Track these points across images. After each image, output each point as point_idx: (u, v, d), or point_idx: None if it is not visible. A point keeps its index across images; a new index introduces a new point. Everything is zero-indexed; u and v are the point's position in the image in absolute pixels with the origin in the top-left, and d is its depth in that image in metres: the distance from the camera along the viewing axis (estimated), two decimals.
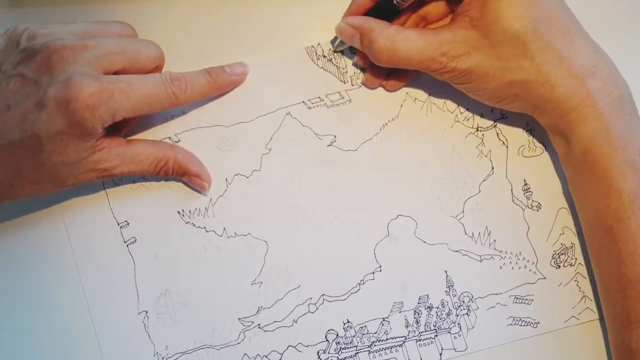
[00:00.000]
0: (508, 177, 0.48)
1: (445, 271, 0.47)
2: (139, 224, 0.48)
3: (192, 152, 0.48)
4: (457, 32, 0.42)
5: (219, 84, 0.46)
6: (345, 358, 0.47)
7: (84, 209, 0.48)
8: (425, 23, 0.47)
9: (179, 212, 0.48)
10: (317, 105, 0.49)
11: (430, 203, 0.48)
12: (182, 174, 0.46)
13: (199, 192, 0.48)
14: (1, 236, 0.48)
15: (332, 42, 0.49)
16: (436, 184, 0.48)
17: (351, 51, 0.49)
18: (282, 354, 0.47)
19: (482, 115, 0.49)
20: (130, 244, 0.48)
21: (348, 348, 0.47)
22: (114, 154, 0.43)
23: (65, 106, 0.40)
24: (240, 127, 0.49)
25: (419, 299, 0.47)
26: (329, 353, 0.47)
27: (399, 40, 0.42)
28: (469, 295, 0.47)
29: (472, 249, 0.48)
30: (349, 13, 0.46)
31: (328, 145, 0.49)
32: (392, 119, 0.49)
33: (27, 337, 0.47)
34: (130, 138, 0.47)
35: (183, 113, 0.49)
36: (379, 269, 0.47)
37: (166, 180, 0.48)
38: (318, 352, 0.47)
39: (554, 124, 0.43)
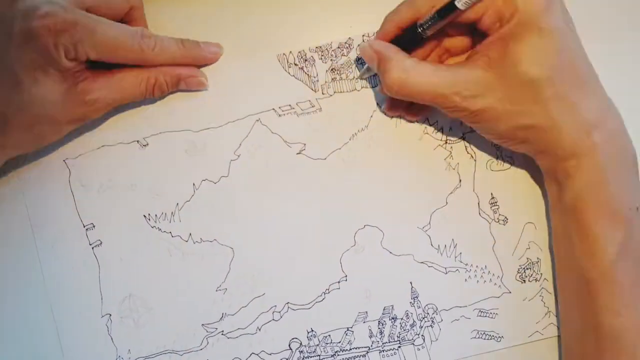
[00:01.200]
0: (475, 191, 0.48)
1: (411, 282, 0.47)
2: (105, 226, 0.48)
3: (160, 156, 0.47)
4: (473, 72, 0.41)
5: (189, 55, 0.47)
6: None
7: (50, 209, 0.48)
8: (448, 56, 0.47)
9: (144, 216, 0.48)
10: (288, 113, 0.49)
11: (397, 214, 0.48)
12: (177, 82, 0.46)
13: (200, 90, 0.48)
14: None
15: (357, 64, 0.49)
16: (403, 195, 0.48)
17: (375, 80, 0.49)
18: None
19: (450, 129, 0.49)
20: (95, 246, 0.47)
21: (311, 357, 0.47)
22: (99, 83, 0.43)
23: (30, 34, 0.40)
24: (209, 132, 0.49)
25: (384, 309, 0.47)
26: None
27: (412, 74, 0.42)
28: (434, 307, 0.47)
29: (438, 260, 0.48)
30: (379, 35, 0.46)
31: (297, 154, 0.49)
32: (362, 129, 0.49)
33: None
34: None
35: (152, 118, 0.48)
36: (344, 278, 0.47)
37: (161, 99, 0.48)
38: None
39: (552, 169, 0.43)
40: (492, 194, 0.48)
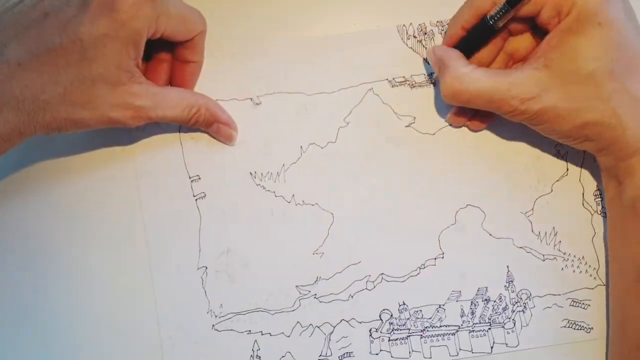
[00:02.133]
0: (581, 181, 0.48)
1: (507, 266, 0.47)
2: (210, 179, 0.48)
3: (271, 116, 0.48)
4: (528, 73, 0.41)
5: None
6: (397, 339, 0.47)
7: (157, 158, 0.48)
8: (512, 62, 0.46)
9: (251, 173, 0.48)
10: (401, 85, 0.49)
11: (501, 197, 0.48)
12: (213, 122, 0.46)
13: (226, 143, 0.48)
14: (69, 181, 0.48)
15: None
16: (510, 178, 0.48)
17: None
18: (334, 327, 0.47)
19: None
20: (199, 198, 0.48)
21: (401, 330, 0.47)
22: (152, 92, 0.42)
23: (111, 5, 0.38)
24: (322, 97, 0.48)
25: (478, 290, 0.47)
26: (381, 332, 0.47)
27: (467, 81, 0.41)
28: (527, 292, 0.47)
29: (537, 247, 0.48)
30: (445, 40, 0.45)
31: (406, 126, 0.48)
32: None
33: (84, 274, 0.47)
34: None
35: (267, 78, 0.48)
36: (441, 256, 0.47)
37: (196, 131, 0.48)
38: (370, 330, 0.47)
39: (613, 166, 0.42)
40: (597, 185, 0.48)
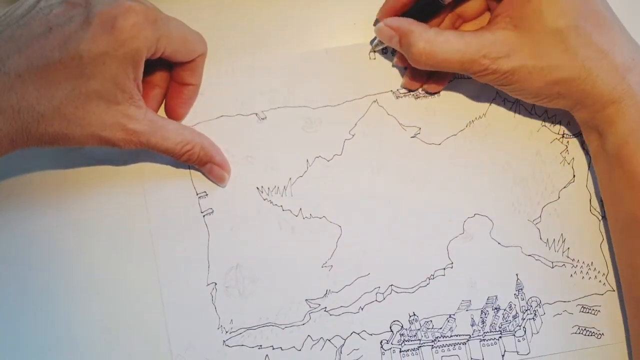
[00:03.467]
0: (588, 187, 0.48)
1: (517, 274, 0.47)
2: (217, 195, 0.48)
3: (277, 130, 0.48)
4: (498, 33, 0.41)
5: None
6: (408, 350, 0.47)
7: (164, 175, 0.48)
8: (461, 21, 0.47)
9: (258, 188, 0.48)
10: (405, 96, 0.49)
11: (508, 205, 0.48)
12: (206, 161, 0.46)
13: (217, 184, 0.48)
14: (77, 195, 0.48)
15: (371, 41, 0.48)
16: (517, 186, 0.48)
17: (391, 52, 0.49)
18: (345, 340, 0.47)
19: (568, 123, 0.48)
20: (207, 214, 0.48)
21: (411, 341, 0.47)
22: (148, 118, 0.42)
23: (112, 24, 0.39)
24: (327, 110, 0.49)
25: (487, 299, 0.47)
26: (392, 344, 0.47)
27: (438, 43, 0.42)
28: (537, 300, 0.47)
29: (545, 254, 0.48)
30: (385, 11, 0.45)
31: (412, 137, 0.49)
32: (479, 117, 0.48)
33: (94, 293, 0.47)
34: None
35: (272, 90, 0.48)
36: (450, 266, 0.47)
37: (188, 168, 0.48)
38: (381, 342, 0.47)
39: (591, 119, 0.42)
40: None
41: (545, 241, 0.48)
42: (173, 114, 0.47)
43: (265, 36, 0.49)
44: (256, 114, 0.48)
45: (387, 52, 0.49)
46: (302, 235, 0.48)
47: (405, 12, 0.45)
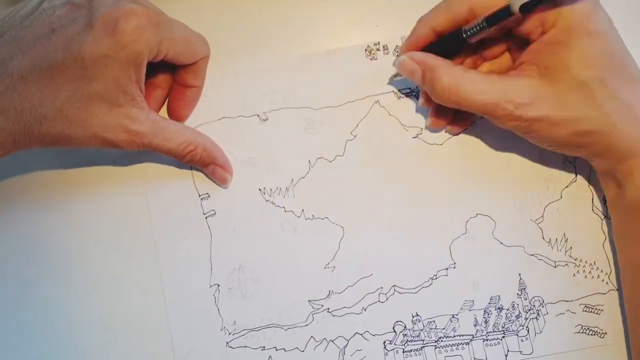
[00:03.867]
0: (590, 186, 0.48)
1: (519, 274, 0.47)
2: (219, 197, 0.48)
3: (279, 131, 0.48)
4: (523, 80, 0.41)
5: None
6: (411, 351, 0.47)
7: (166, 177, 0.48)
8: (482, 61, 0.46)
9: (260, 189, 0.48)
10: (407, 96, 0.49)
11: (511, 204, 0.48)
12: (209, 162, 0.46)
13: (219, 185, 0.48)
14: (79, 197, 0.48)
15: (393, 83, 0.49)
16: (519, 186, 0.48)
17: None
18: (348, 340, 0.47)
19: None
20: (209, 216, 0.48)
21: (415, 341, 0.47)
22: (150, 119, 0.42)
23: (114, 26, 0.39)
24: (328, 111, 0.49)
25: (490, 299, 0.47)
26: (395, 344, 0.47)
27: (464, 81, 0.41)
28: (540, 299, 0.47)
29: (548, 254, 0.48)
30: (408, 45, 0.45)
31: (413, 137, 0.49)
32: (481, 117, 0.48)
33: (96, 295, 0.47)
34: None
35: (274, 92, 0.48)
36: (452, 266, 0.47)
37: (190, 169, 0.48)
38: (384, 342, 0.47)
39: (611, 169, 0.42)
40: None
41: (548, 241, 0.48)
42: (175, 116, 0.47)
43: (266, 37, 0.49)
44: (258, 115, 0.48)
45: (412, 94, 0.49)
46: (304, 236, 0.48)
47: (427, 48, 0.44)
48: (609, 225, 0.48)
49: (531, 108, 0.40)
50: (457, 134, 0.48)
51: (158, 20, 0.41)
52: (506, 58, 0.46)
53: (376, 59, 0.49)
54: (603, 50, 0.40)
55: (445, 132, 0.48)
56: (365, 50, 0.49)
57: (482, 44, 0.45)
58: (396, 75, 0.48)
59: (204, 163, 0.46)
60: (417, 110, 0.49)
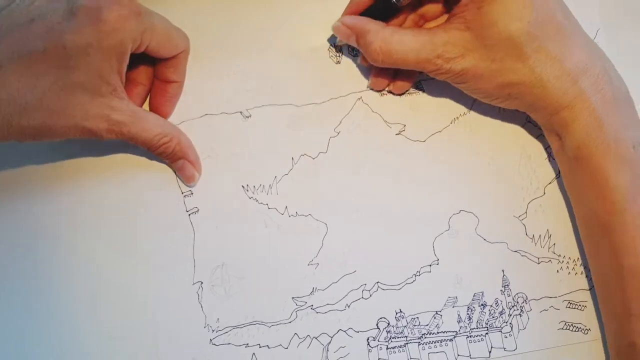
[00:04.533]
0: None
1: (503, 270, 0.47)
2: (202, 194, 0.48)
3: (262, 128, 0.48)
4: (452, 34, 0.42)
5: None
6: (395, 347, 0.47)
7: (149, 174, 0.48)
8: (423, 21, 0.47)
9: (243, 186, 0.48)
10: (390, 93, 0.49)
11: (494, 201, 0.48)
12: (180, 157, 0.46)
13: (185, 182, 0.48)
14: (61, 194, 0.48)
15: (332, 40, 0.49)
16: (502, 182, 0.48)
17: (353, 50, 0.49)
18: (332, 337, 0.47)
19: None
20: (192, 213, 0.48)
21: (398, 338, 0.47)
22: (131, 109, 0.42)
23: (97, 16, 0.39)
24: (311, 107, 0.49)
25: (474, 295, 0.47)
26: (378, 341, 0.47)
27: (393, 42, 0.42)
28: (524, 296, 0.47)
29: (531, 250, 0.48)
30: (348, 11, 0.45)
31: (396, 134, 0.49)
32: (464, 113, 0.49)
33: (78, 292, 0.47)
34: None
35: (256, 89, 0.49)
36: (436, 262, 0.47)
37: (160, 162, 0.48)
38: (368, 339, 0.47)
39: (547, 122, 0.43)
40: None
41: (531, 237, 0.48)
42: (158, 112, 0.47)
43: (248, 34, 0.49)
44: (241, 112, 0.48)
45: (341, 50, 0.49)
46: (288, 233, 0.48)
47: (366, 12, 0.45)
48: None
49: (459, 61, 0.42)
50: (401, 94, 0.49)
51: (140, 10, 0.41)
52: (446, 17, 0.46)
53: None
54: (529, 3, 0.40)
55: (388, 92, 0.49)
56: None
57: (420, 4, 0.46)
58: (335, 37, 0.47)
59: (174, 157, 0.45)
60: (357, 66, 0.49)
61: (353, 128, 0.48)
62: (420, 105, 0.49)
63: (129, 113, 0.42)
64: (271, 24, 0.49)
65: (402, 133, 0.48)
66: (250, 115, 0.48)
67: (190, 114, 0.48)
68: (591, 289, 0.48)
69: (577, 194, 0.44)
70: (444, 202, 0.48)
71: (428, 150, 0.48)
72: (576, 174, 0.43)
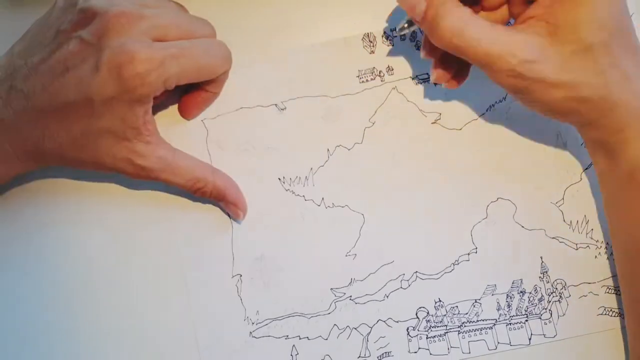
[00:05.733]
0: None
1: (541, 257, 0.47)
2: (240, 187, 0.48)
3: (297, 120, 0.48)
4: (530, 36, 0.38)
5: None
6: (435, 336, 0.47)
7: None
8: (480, 9, 0.44)
9: (279, 178, 0.48)
10: (425, 81, 0.49)
11: (531, 188, 0.48)
12: (219, 199, 0.46)
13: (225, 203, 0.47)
14: (99, 194, 0.48)
15: (389, 25, 0.47)
16: (539, 169, 0.48)
17: (409, 38, 0.48)
18: (371, 328, 0.47)
19: None
20: None
21: (438, 327, 0.47)
22: (157, 155, 0.43)
23: (118, 72, 0.40)
24: (346, 98, 0.48)
25: (513, 283, 0.47)
26: (418, 330, 0.47)
27: (470, 23, 0.38)
28: (562, 282, 0.47)
29: (569, 236, 0.47)
30: None
31: (432, 123, 0.48)
32: (500, 101, 0.48)
33: (118, 290, 0.47)
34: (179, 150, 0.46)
35: (291, 81, 0.49)
36: (474, 251, 0.47)
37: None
38: (408, 329, 0.47)
39: (603, 140, 0.41)
40: None
41: (569, 223, 0.48)
42: (185, 113, 0.48)
43: (282, 25, 0.49)
44: (276, 104, 0.48)
45: (405, 39, 0.48)
46: (325, 224, 0.48)
47: None
48: None
49: (534, 66, 0.38)
50: (456, 87, 0.45)
51: (162, 59, 0.41)
52: (504, 10, 0.44)
53: (393, 45, 0.49)
54: (612, 13, 0.38)
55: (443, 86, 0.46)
56: (382, 36, 0.49)
57: None
58: (398, 21, 0.44)
59: (215, 199, 0.46)
60: (421, 61, 0.45)
61: (388, 118, 0.48)
62: (456, 94, 0.48)
63: (155, 160, 0.43)
64: (305, 15, 0.49)
65: (437, 122, 0.48)
66: (285, 108, 0.48)
67: (226, 108, 0.48)
68: None
69: (621, 218, 0.42)
70: (482, 190, 0.48)
71: (464, 139, 0.48)
72: (625, 197, 0.41)
